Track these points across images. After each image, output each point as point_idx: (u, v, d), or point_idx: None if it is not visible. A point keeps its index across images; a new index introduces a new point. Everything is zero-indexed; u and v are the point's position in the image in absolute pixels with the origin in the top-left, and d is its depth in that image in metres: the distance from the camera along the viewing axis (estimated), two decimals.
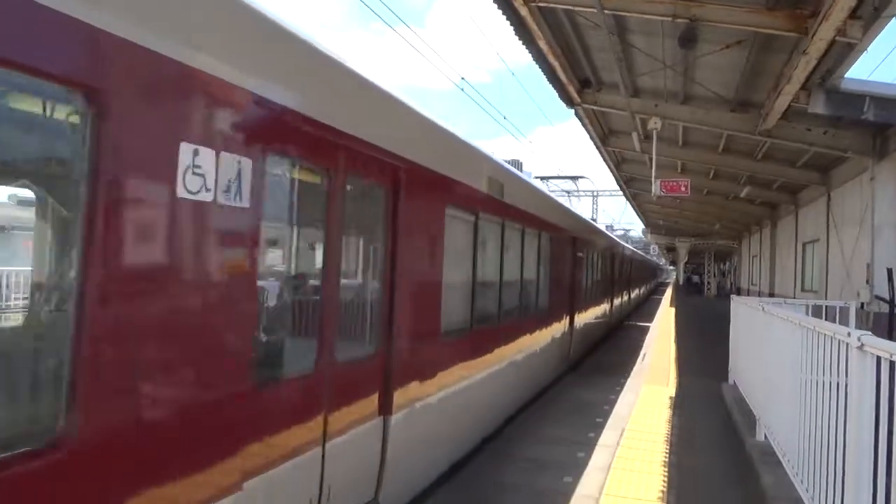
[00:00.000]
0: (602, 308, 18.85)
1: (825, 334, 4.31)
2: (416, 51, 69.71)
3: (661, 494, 5.80)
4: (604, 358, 15.92)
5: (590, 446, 7.29)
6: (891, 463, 3.06)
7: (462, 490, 5.88)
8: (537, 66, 11.47)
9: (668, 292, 46.51)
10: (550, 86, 12.57)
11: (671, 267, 74.60)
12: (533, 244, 9.81)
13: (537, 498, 5.66)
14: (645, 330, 22.12)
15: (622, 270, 26.15)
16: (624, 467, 6.54)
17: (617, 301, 23.21)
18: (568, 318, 12.84)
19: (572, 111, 14.05)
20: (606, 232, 25.09)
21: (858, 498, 3.43)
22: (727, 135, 14.05)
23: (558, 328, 12.05)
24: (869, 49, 8.20)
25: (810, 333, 4.72)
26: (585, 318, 14.93)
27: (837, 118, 10.88)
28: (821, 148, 12.23)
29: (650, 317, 28.38)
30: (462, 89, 15.46)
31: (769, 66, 10.07)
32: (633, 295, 32.76)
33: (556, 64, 11.43)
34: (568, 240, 12.76)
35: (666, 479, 6.23)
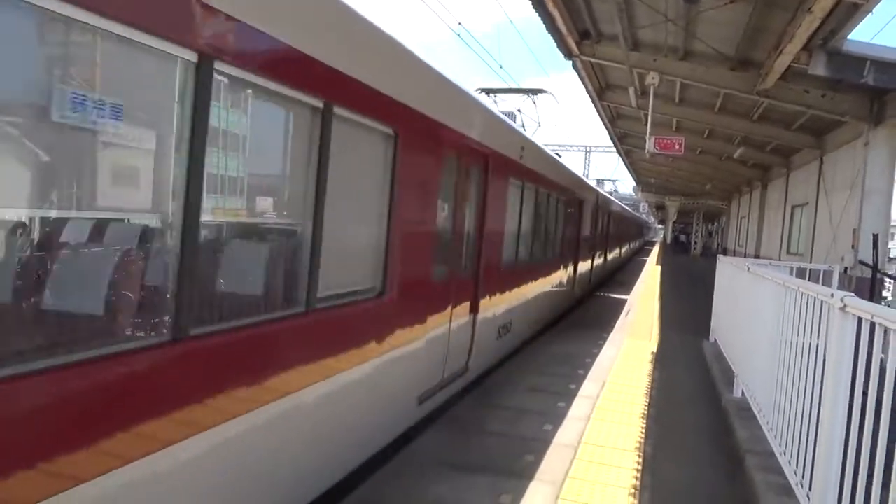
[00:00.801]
0: (593, 258, 20.30)
1: (809, 295, 4.37)
2: None
3: (638, 444, 5.96)
4: (589, 312, 16.11)
5: (571, 397, 7.44)
6: (863, 420, 3.14)
7: (447, 433, 6.00)
8: (537, 15, 11.23)
9: (656, 250, 46.86)
10: (550, 36, 12.33)
11: (660, 226, 74.82)
12: (553, 205, 12.23)
13: (518, 443, 5.80)
14: (631, 286, 22.36)
15: (614, 228, 26.69)
16: (603, 418, 6.69)
17: (606, 255, 23.91)
18: (572, 263, 14.95)
19: (570, 63, 13.85)
20: (598, 189, 25.17)
21: (830, 451, 3.53)
22: (724, 94, 13.92)
23: (570, 268, 14.57)
24: (874, 11, 8.09)
25: (794, 294, 4.78)
26: (585, 265, 17.12)
27: (837, 81, 10.79)
28: (818, 111, 12.15)
29: (637, 274, 28.64)
30: (459, 35, 15.06)
31: (772, 24, 9.91)
32: (622, 250, 33.71)
33: (555, 13, 11.20)
34: (576, 202, 14.64)
35: (644, 429, 6.39)
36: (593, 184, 22.96)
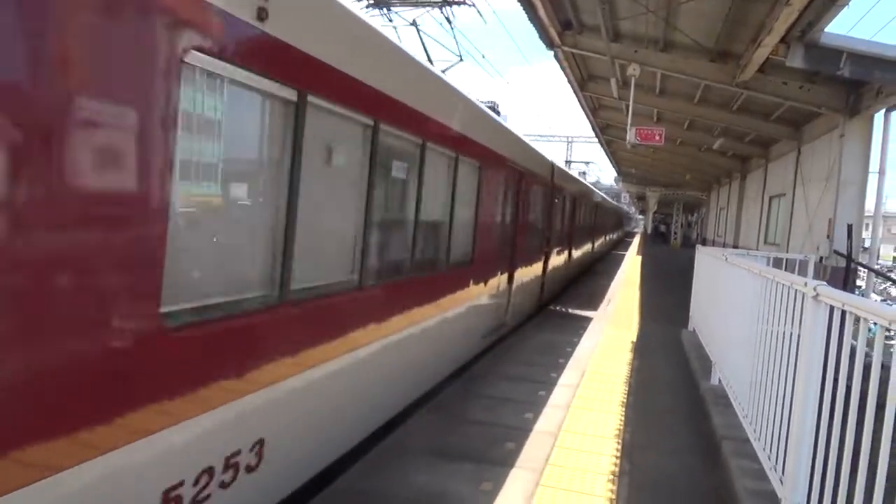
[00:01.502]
0: (589, 242, 23.35)
1: (783, 284, 4.45)
2: None
3: (617, 431, 6.05)
4: (571, 302, 16.23)
5: (552, 385, 7.52)
6: (834, 408, 3.22)
7: (430, 421, 6.05)
8: (519, 4, 11.22)
9: (636, 241, 47.23)
10: (532, 26, 12.33)
11: (640, 216, 75.30)
12: (562, 207, 15.55)
13: (500, 431, 5.86)
14: (613, 276, 22.53)
15: (597, 219, 27.17)
16: (583, 406, 6.78)
17: (592, 243, 24.62)
18: (569, 248, 18.01)
19: (552, 54, 13.86)
20: (583, 181, 25.42)
21: (802, 437, 3.62)
22: (704, 85, 14.03)
23: (564, 249, 17.35)
24: (851, 4, 8.18)
25: (769, 283, 4.87)
26: (581, 249, 21.25)
27: (814, 73, 10.93)
28: (796, 103, 12.30)
29: (618, 264, 28.85)
30: (441, 24, 14.94)
31: (751, 17, 10.00)
32: (605, 239, 34.36)
33: (537, 3, 11.19)
34: (568, 198, 17.17)
35: (623, 417, 6.48)
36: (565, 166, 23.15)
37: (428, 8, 9.75)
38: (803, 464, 3.57)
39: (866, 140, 11.25)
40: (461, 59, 9.80)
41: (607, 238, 38.71)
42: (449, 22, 10.11)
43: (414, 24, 9.44)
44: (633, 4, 10.73)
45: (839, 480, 3.01)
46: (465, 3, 9.87)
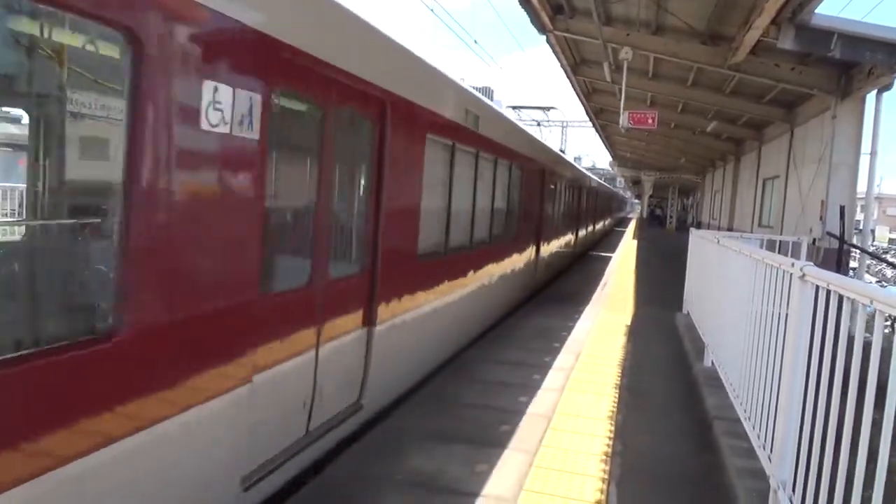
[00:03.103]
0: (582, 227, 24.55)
1: (772, 265, 4.50)
2: None
3: (610, 413, 6.12)
4: (566, 286, 16.30)
5: (546, 369, 7.59)
6: (819, 385, 3.27)
7: (425, 406, 6.11)
8: None
9: (632, 225, 47.29)
10: (523, 11, 12.29)
11: (636, 201, 75.24)
12: (567, 194, 17.90)
13: (494, 414, 5.92)
14: (608, 260, 22.61)
15: (592, 204, 27.62)
16: (577, 389, 6.85)
17: (587, 229, 25.52)
18: (575, 231, 20.66)
19: (544, 38, 13.83)
20: (581, 168, 25.80)
21: (789, 414, 3.68)
22: (697, 68, 14.02)
23: (572, 231, 20.08)
24: None
25: (759, 265, 4.92)
26: (591, 229, 24.67)
27: (805, 55, 10.92)
28: (788, 84, 12.31)
29: (614, 248, 28.93)
30: (432, 10, 15.01)
31: None
32: (605, 223, 35.75)
33: None
34: (577, 189, 20.38)
35: (616, 399, 6.55)
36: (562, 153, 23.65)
37: None
38: (790, 441, 3.63)
39: (858, 121, 11.28)
40: None
41: (606, 222, 39.96)
42: (563, 133, 20.84)
43: (564, 125, 19.38)
44: None
45: (824, 457, 3.06)
46: (579, 125, 19.28)
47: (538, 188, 13.25)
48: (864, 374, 2.73)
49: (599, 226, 33.17)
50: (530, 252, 12.90)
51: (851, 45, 9.50)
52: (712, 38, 12.09)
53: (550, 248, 15.37)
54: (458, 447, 5.16)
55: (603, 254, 26.78)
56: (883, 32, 9.37)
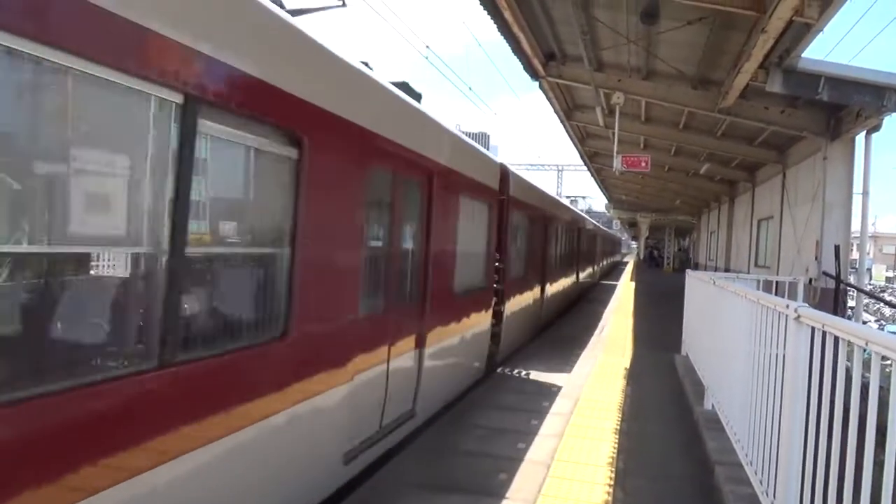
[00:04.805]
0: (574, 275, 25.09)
1: (767, 307, 4.48)
2: (382, 18, 68.28)
3: (610, 459, 6.00)
4: (564, 329, 16.21)
5: (544, 414, 7.47)
6: (819, 428, 3.22)
7: (420, 455, 6.00)
8: (503, 38, 11.43)
9: (629, 267, 47.32)
10: (516, 58, 12.54)
11: (633, 242, 75.44)
12: (574, 241, 20.86)
13: (492, 462, 5.81)
14: (606, 302, 22.52)
15: (590, 249, 29.27)
16: (576, 434, 6.73)
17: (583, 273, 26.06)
18: (576, 270, 22.32)
19: (537, 84, 14.07)
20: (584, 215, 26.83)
21: (790, 457, 3.61)
22: (688, 112, 14.24)
23: (572, 275, 21.36)
24: (826, 30, 8.37)
25: (754, 306, 4.89)
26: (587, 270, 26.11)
27: (794, 98, 11.11)
28: (778, 127, 12.48)
29: (611, 292, 28.86)
30: (426, 58, 15.32)
31: (729, 44, 10.21)
32: (603, 263, 36.98)
33: (521, 36, 11.40)
34: (593, 239, 24.87)
35: (616, 444, 6.43)
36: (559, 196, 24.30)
37: None
38: (793, 486, 3.55)
39: (849, 162, 11.39)
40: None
41: (604, 263, 40.90)
42: (559, 177, 25.89)
43: (559, 169, 27.17)
44: (613, 35, 10.95)
45: (827, 500, 2.99)
46: (574, 169, 21.86)
47: (563, 239, 17.61)
48: (863, 413, 2.69)
49: (599, 266, 35.69)
50: (537, 291, 14.52)
51: (838, 88, 9.67)
52: (702, 83, 12.32)
53: (554, 289, 17.27)
54: (455, 497, 5.04)
55: (600, 298, 26.71)
56: (869, 75, 9.55)
